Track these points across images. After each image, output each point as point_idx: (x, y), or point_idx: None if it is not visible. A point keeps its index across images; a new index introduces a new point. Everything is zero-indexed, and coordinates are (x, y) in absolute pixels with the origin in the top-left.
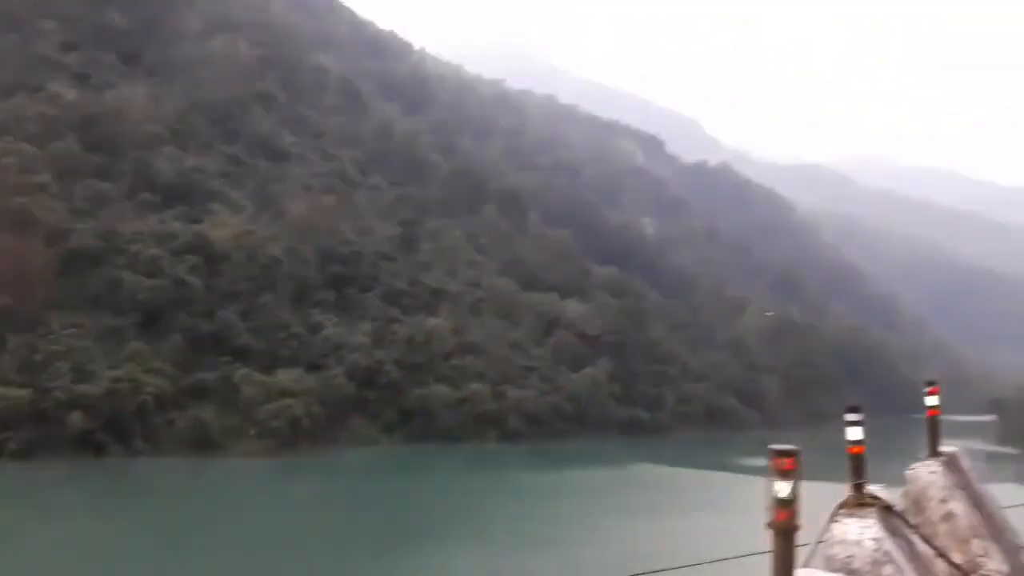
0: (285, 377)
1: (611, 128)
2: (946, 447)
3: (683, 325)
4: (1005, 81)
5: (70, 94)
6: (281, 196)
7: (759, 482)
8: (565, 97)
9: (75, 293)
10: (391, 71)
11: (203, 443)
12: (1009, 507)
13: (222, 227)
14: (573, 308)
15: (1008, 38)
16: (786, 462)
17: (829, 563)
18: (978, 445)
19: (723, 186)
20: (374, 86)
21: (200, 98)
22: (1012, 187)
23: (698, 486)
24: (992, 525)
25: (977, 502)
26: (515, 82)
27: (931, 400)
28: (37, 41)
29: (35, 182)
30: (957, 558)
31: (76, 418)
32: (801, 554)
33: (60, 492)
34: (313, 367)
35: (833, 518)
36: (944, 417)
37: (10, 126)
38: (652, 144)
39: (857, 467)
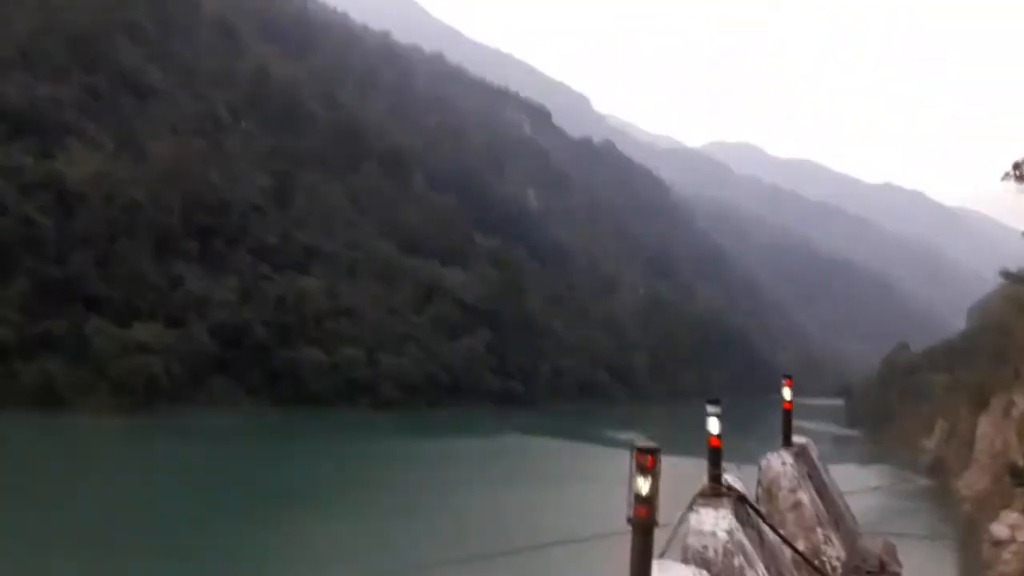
0: (142, 331)
1: (500, 95)
2: (798, 438)
3: (560, 299)
4: (872, 81)
5: None
6: (145, 136)
7: (624, 455)
8: (454, 57)
9: None
10: (272, 12)
11: (49, 398)
12: (849, 493)
13: (78, 164)
14: (454, 276)
15: (839, 38)
16: (648, 459)
17: (685, 553)
18: (827, 428)
19: (606, 163)
20: (253, 26)
21: (56, 21)
22: (874, 184)
23: (566, 457)
24: (834, 513)
25: (822, 491)
26: (402, 36)
27: (786, 392)
28: None
29: None
30: (802, 545)
31: None
32: (661, 540)
33: None
34: (173, 322)
35: (691, 508)
36: (799, 399)
37: None
38: (540, 115)
39: (714, 458)
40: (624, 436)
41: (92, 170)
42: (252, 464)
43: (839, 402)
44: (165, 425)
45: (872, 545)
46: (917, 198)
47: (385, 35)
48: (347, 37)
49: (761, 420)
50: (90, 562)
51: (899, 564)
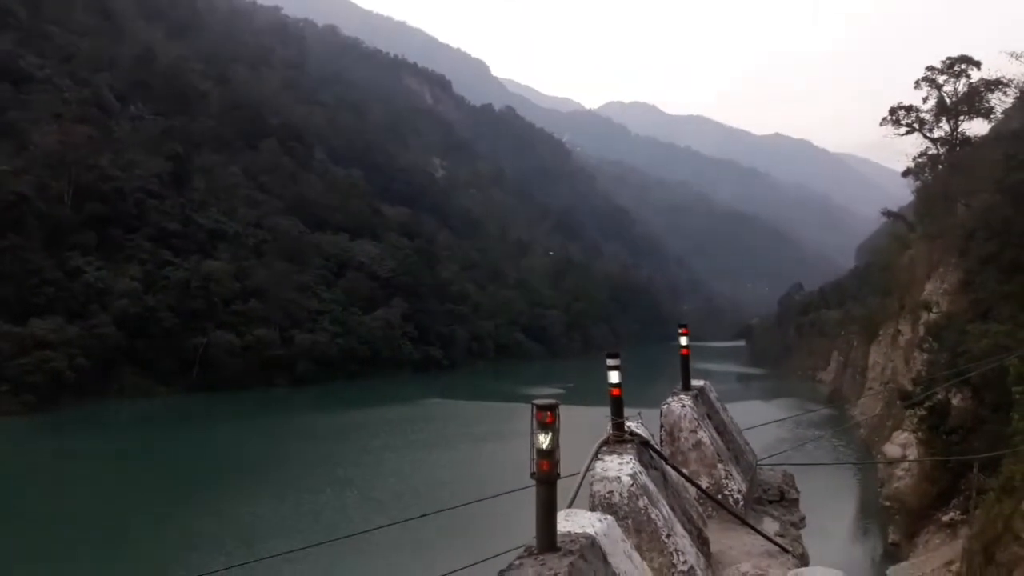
0: (41, 327)
1: (397, 65)
2: (696, 381)
3: (472, 265)
4: (761, 41)
5: None
6: (24, 125)
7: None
8: (348, 29)
9: None
10: None
11: None
12: (749, 428)
13: None
14: (364, 249)
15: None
16: (547, 415)
17: (592, 500)
18: (731, 368)
19: (508, 129)
20: (131, 6)
21: None
22: (762, 136)
23: (485, 417)
24: (734, 449)
25: (721, 429)
26: (293, 10)
27: (683, 340)
28: None
29: None
30: (704, 482)
31: None
32: (568, 487)
33: None
34: (74, 315)
35: (596, 456)
36: (703, 344)
37: None
38: (440, 84)
39: (616, 407)
40: (543, 392)
41: None
42: (168, 450)
43: (742, 344)
44: (73, 419)
45: (772, 476)
46: (804, 146)
47: (275, 10)
48: (234, 13)
49: (664, 367)
50: None
51: (797, 491)
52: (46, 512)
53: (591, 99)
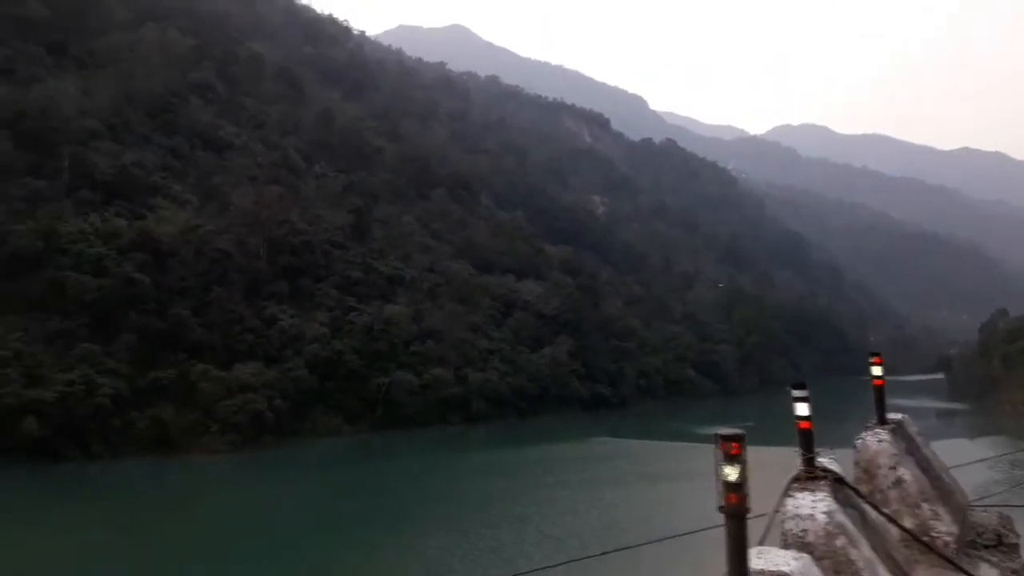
0: (244, 371)
1: (556, 107)
2: (893, 414)
3: (637, 300)
4: (939, 53)
5: None
6: (225, 188)
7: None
8: (509, 77)
9: (19, 297)
10: (329, 57)
11: (164, 443)
12: (955, 467)
13: (167, 222)
14: (529, 289)
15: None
16: (733, 446)
17: (784, 538)
18: (929, 403)
19: (668, 162)
20: (313, 73)
21: (134, 90)
22: (948, 151)
23: (658, 456)
24: (940, 488)
25: (925, 466)
26: (456, 64)
27: (876, 370)
28: None
29: None
30: (908, 523)
31: (30, 424)
32: (758, 528)
33: (13, 498)
34: (271, 360)
35: (786, 493)
36: (895, 378)
37: None
38: (598, 122)
39: (806, 441)
40: (717, 431)
41: (181, 226)
42: (361, 487)
43: (939, 376)
44: (272, 458)
45: (986, 518)
46: (999, 159)
47: (440, 66)
48: (403, 72)
49: (852, 402)
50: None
51: (1016, 535)
52: (260, 545)
53: (756, 125)
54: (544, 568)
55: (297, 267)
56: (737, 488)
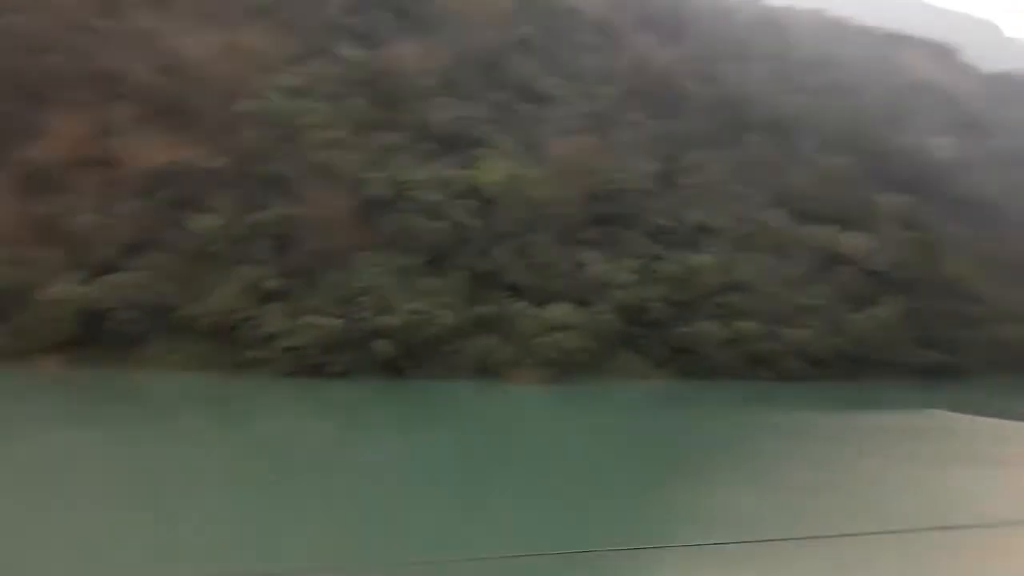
0: (556, 311)
1: (891, 40)
2: None
3: (988, 260)
4: None
5: (355, 54)
6: (544, 139)
7: None
8: (835, 9)
9: (373, 236)
10: (645, 3)
11: (486, 370)
12: None
13: (492, 172)
14: (855, 242)
15: None
16: None
17: None
18: None
19: None
20: (628, 21)
21: (465, 49)
22: None
23: (1004, 438)
24: None
25: None
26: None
27: None
28: (324, 8)
29: (334, 137)
30: None
31: (381, 345)
32: None
33: (372, 409)
34: (582, 303)
35: None
36: None
37: (310, 88)
38: (942, 53)
39: None
40: None
41: (504, 175)
42: (659, 433)
43: None
44: (580, 394)
45: None
46: None
47: (757, 2)
48: (719, 12)
49: None
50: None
51: None
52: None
53: None
54: (860, 535)
55: (608, 215)
56: None
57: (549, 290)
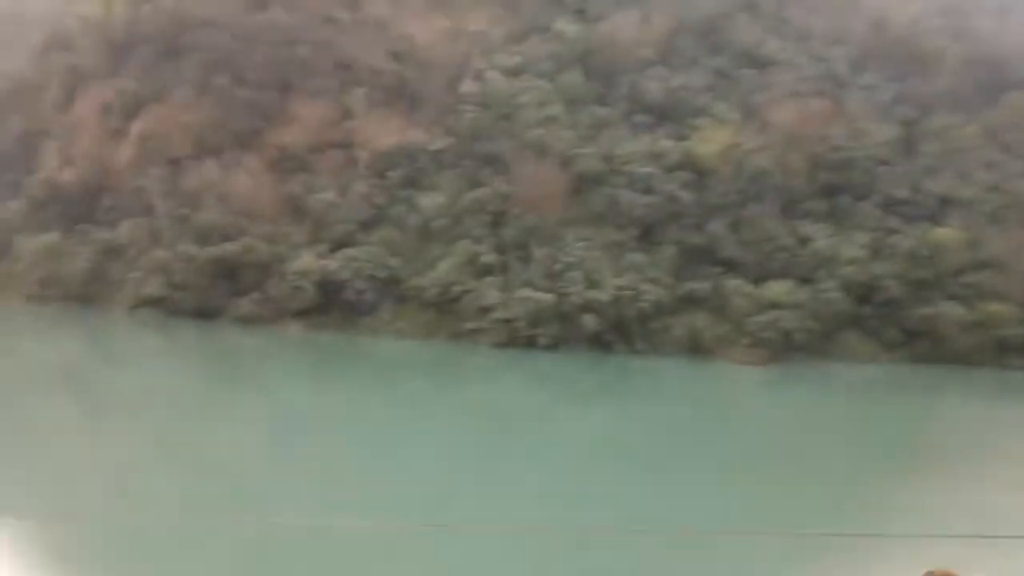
0: (775, 289)
1: None
2: None
3: None
4: None
5: (571, 30)
6: (766, 105)
7: None
8: None
9: (583, 211)
10: None
11: (696, 348)
12: None
13: (708, 142)
14: None
15: None
16: None
17: None
18: None
19: None
20: None
21: (686, 16)
22: None
23: None
24: None
25: None
26: None
27: None
28: None
29: (548, 114)
30: None
31: (588, 320)
32: None
33: (578, 382)
34: (804, 280)
35: None
36: None
37: (527, 66)
38: None
39: None
40: None
41: (721, 145)
42: (885, 421)
43: None
44: (799, 375)
45: None
46: None
47: None
48: None
49: None
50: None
51: None
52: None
53: None
54: None
55: (837, 185)
56: None
57: (767, 266)
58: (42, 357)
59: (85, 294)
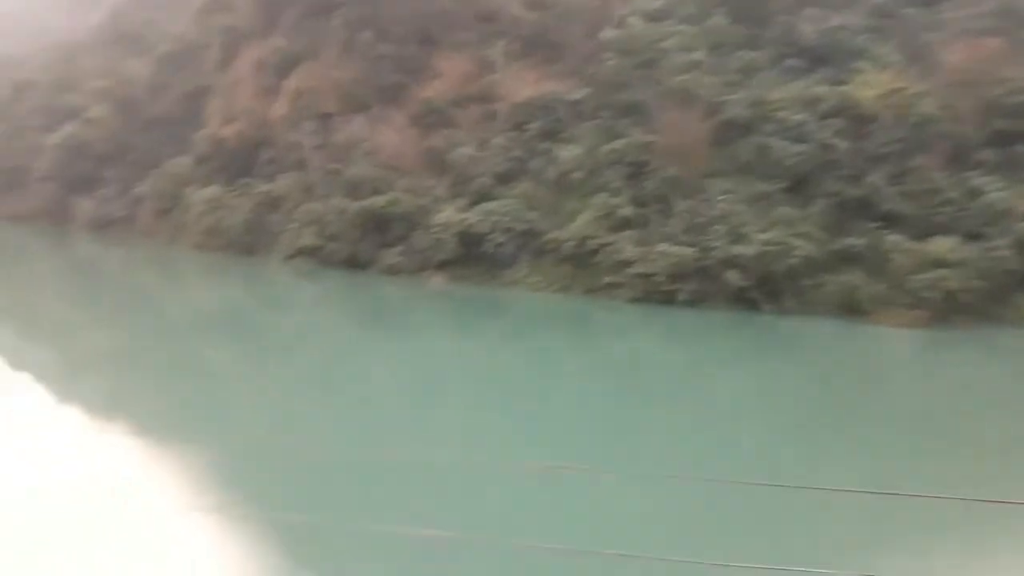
0: (939, 246)
1: None
2: None
3: None
4: None
5: None
6: (934, 46)
7: None
8: None
9: (728, 161)
10: None
11: (850, 307)
12: None
13: (868, 87)
14: None
15: None
16: None
17: None
18: None
19: None
20: None
21: None
22: None
23: None
24: None
25: None
26: None
27: None
28: None
29: (692, 60)
30: None
31: (732, 275)
32: None
33: (720, 339)
34: (972, 236)
35: None
36: None
37: (670, 10)
38: None
39: None
40: None
41: (882, 90)
42: None
43: None
44: (963, 339)
45: None
46: None
47: None
48: None
49: None
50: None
51: None
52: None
53: None
54: None
55: (1012, 133)
56: None
57: (932, 221)
58: (210, 300)
59: (245, 243)
